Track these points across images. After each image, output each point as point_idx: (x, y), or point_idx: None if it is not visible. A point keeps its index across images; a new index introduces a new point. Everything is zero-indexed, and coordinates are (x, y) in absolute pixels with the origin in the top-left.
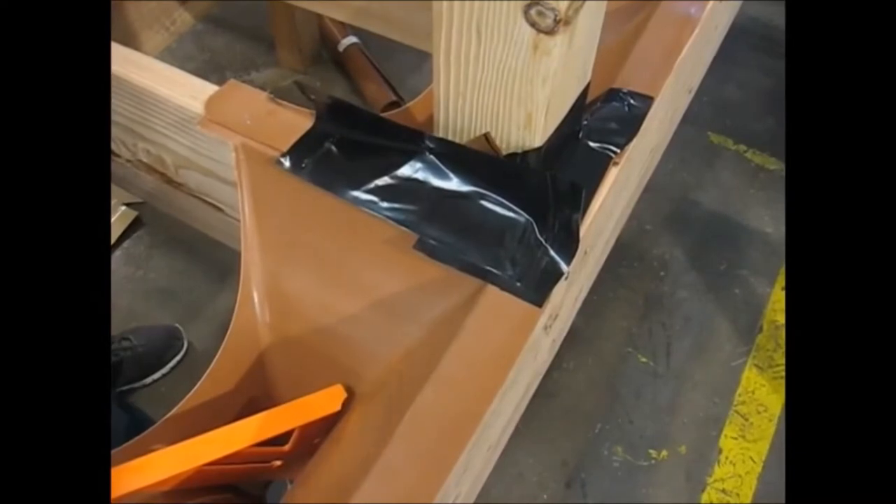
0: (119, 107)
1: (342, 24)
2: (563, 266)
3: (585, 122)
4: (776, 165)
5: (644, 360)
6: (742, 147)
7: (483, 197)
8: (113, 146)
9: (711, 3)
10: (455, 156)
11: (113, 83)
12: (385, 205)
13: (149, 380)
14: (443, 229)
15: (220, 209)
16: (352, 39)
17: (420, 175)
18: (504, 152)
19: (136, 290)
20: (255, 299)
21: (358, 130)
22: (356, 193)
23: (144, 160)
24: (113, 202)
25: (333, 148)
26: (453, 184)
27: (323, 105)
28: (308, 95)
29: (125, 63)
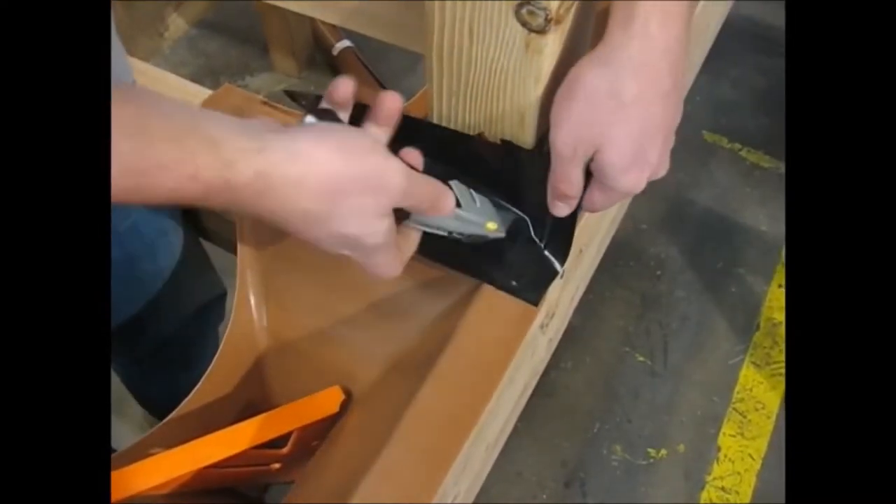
0: None
1: (335, 27)
2: (558, 265)
3: None
4: (771, 164)
5: (642, 359)
6: (737, 145)
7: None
8: None
9: (703, 1)
10: (450, 155)
11: None
12: None
13: None
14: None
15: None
16: (345, 43)
17: None
18: None
19: None
20: (252, 302)
21: None
22: None
23: None
24: None
25: None
26: None
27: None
28: (299, 102)
29: None
